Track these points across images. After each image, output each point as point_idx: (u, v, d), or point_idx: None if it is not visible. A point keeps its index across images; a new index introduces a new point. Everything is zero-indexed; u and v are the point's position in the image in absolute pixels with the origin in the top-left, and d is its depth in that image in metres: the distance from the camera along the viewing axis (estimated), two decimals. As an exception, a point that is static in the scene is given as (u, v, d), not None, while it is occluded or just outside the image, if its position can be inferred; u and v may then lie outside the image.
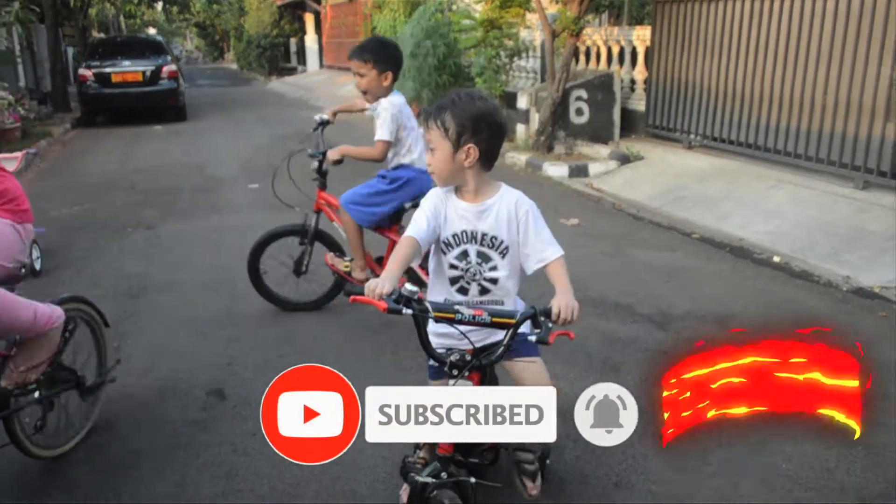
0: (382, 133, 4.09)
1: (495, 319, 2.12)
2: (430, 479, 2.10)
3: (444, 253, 2.44)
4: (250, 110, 17.75)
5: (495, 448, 2.63)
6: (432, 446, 2.26)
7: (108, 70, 14.76)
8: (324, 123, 4.57)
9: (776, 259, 5.89)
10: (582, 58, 11.57)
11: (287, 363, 3.76)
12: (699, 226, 6.90)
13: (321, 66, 28.35)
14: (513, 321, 2.11)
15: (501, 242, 2.41)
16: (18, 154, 5.77)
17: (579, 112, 10.23)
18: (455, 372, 2.12)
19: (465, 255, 2.42)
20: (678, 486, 2.87)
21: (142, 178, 9.31)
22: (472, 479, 2.19)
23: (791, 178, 7.69)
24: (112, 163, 10.65)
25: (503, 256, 2.42)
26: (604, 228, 6.75)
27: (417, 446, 2.39)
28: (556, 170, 9.20)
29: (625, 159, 9.34)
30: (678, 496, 2.81)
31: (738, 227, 6.77)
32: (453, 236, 2.41)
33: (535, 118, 10.29)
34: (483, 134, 2.29)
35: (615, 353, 4.05)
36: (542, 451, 2.83)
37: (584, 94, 10.16)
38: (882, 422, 3.32)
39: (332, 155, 4.29)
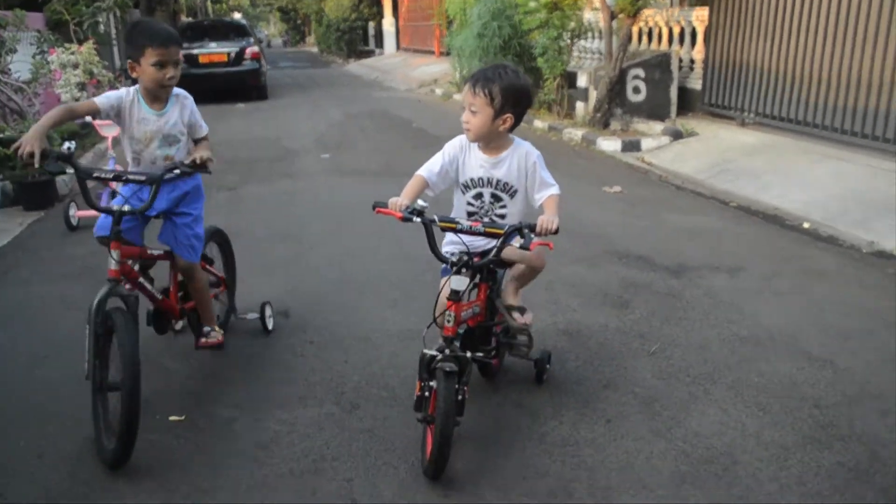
0: None
1: (488, 230, 2.71)
2: (435, 353, 2.70)
3: (463, 193, 3.07)
4: (327, 90, 18.62)
5: (496, 344, 3.22)
6: (441, 334, 2.85)
7: (195, 51, 15.79)
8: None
9: (806, 225, 6.24)
10: (644, 38, 11.88)
11: (342, 294, 4.45)
12: (738, 196, 7.26)
13: (398, 48, 29.11)
14: (501, 232, 2.69)
15: (512, 187, 3.04)
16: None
17: (636, 90, 10.58)
18: (455, 268, 2.72)
19: (479, 196, 3.07)
20: (657, 390, 3.39)
21: (225, 150, 10.15)
22: (469, 354, 2.78)
23: (835, 152, 7.93)
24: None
25: (512, 197, 3.06)
26: (644, 196, 7.19)
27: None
28: (609, 144, 9.62)
29: (678, 135, 9.68)
30: (654, 397, 3.34)
31: (776, 197, 7.11)
32: (471, 180, 3.03)
33: (594, 96, 10.71)
34: (520, 107, 2.92)
35: (628, 293, 4.56)
36: (542, 354, 3.41)
37: (641, 72, 10.49)
38: (854, 350, 3.76)
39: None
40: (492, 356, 3.20)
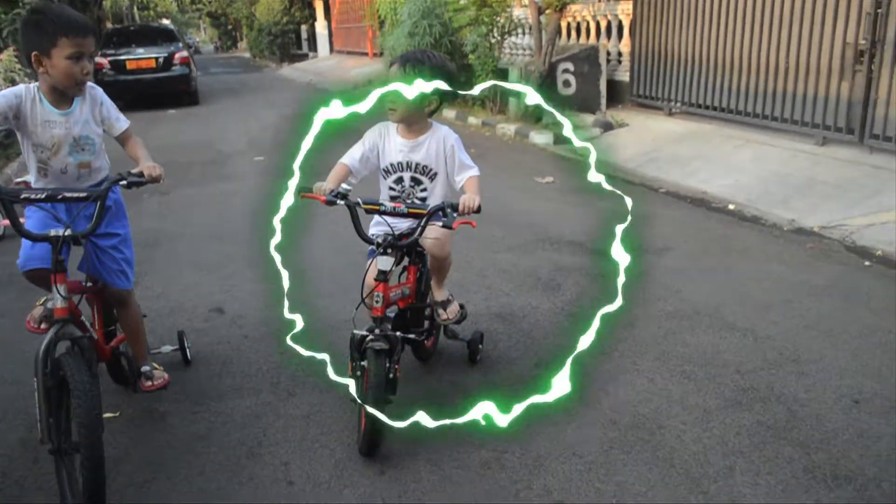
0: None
1: (411, 210, 2.78)
2: (365, 333, 2.74)
3: (384, 178, 3.12)
4: (260, 94, 18.43)
5: (431, 328, 3.28)
6: (370, 315, 2.89)
7: (123, 57, 15.48)
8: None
9: (731, 207, 6.47)
10: (573, 32, 12.12)
11: (275, 291, 4.44)
12: (667, 182, 7.47)
13: (331, 51, 28.96)
14: (424, 212, 2.75)
15: (431, 170, 3.09)
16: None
17: (566, 84, 10.78)
18: (381, 249, 2.76)
19: (400, 180, 3.11)
20: (587, 366, 3.48)
21: (157, 155, 9.79)
22: (398, 334, 2.83)
23: (758, 137, 8.24)
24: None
25: (432, 180, 3.11)
26: (575, 185, 7.33)
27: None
28: (541, 138, 9.78)
29: (608, 126, 9.91)
30: (584, 372, 3.43)
31: (702, 181, 7.35)
32: (391, 165, 3.08)
33: (525, 91, 10.85)
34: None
35: (560, 277, 4.67)
36: (474, 334, 3.48)
37: (570, 66, 10.71)
38: (775, 320, 3.94)
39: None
40: (423, 337, 3.25)
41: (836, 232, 5.47)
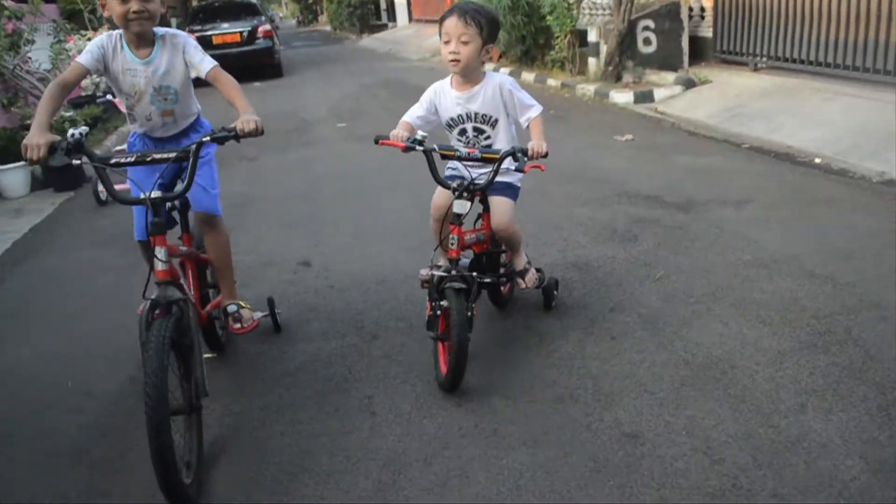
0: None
1: (484, 155, 2.89)
2: (443, 273, 2.87)
3: (449, 132, 3.22)
4: (341, 65, 18.73)
5: (506, 273, 3.40)
6: (446, 257, 3.02)
7: (209, 32, 16.00)
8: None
9: (817, 161, 6.30)
10: (653, -11, 11.84)
11: (360, 245, 4.63)
12: (750, 137, 7.31)
13: (410, 20, 29.05)
14: (496, 156, 2.85)
15: (491, 117, 3.14)
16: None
17: (647, 41, 10.58)
18: (457, 193, 2.88)
19: (464, 132, 3.19)
20: (661, 311, 3.54)
21: (244, 124, 10.37)
22: (475, 274, 2.95)
23: (847, 90, 7.93)
24: (215, 115, 11.59)
25: (493, 127, 3.17)
26: (655, 142, 7.27)
27: (434, 264, 3.16)
28: (621, 97, 9.67)
29: (690, 84, 9.70)
30: (658, 316, 3.49)
31: (788, 136, 7.15)
32: (451, 119, 3.17)
33: (604, 51, 10.73)
34: (498, 40, 3.02)
35: (636, 228, 4.70)
36: (549, 281, 3.56)
37: (651, 23, 10.49)
38: (856, 268, 3.88)
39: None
40: (499, 281, 3.36)
41: (929, 182, 5.28)
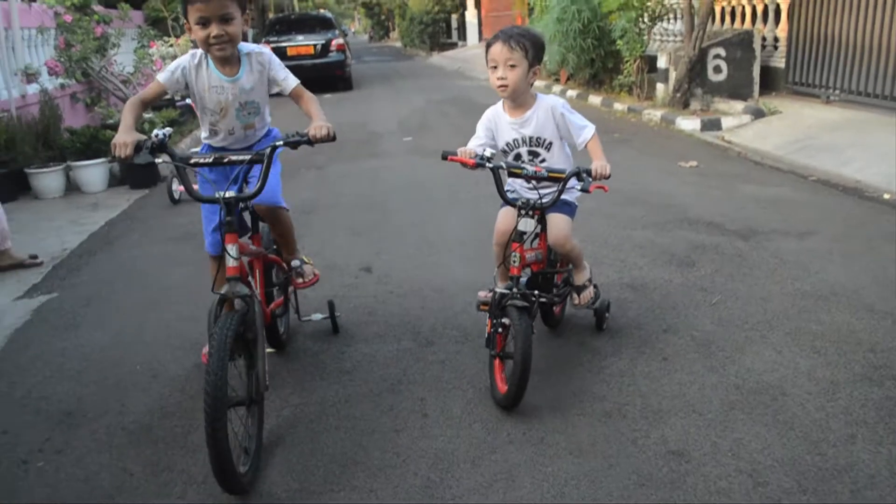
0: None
1: (551, 174, 2.96)
2: (505, 290, 2.95)
3: (504, 157, 3.27)
4: (410, 81, 19.07)
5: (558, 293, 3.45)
6: (506, 275, 3.10)
7: (284, 44, 16.50)
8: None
9: (886, 196, 6.19)
10: (727, 17, 11.80)
11: (421, 255, 4.76)
12: (818, 170, 7.21)
13: (480, 39, 29.35)
14: (562, 175, 2.93)
15: (545, 140, 3.20)
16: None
17: (717, 69, 10.52)
18: (523, 211, 2.97)
19: (518, 156, 3.24)
20: (714, 335, 3.56)
21: (313, 134, 10.67)
22: (536, 293, 3.02)
23: (921, 125, 7.78)
24: (286, 124, 12.05)
25: (548, 150, 3.22)
26: (720, 170, 7.24)
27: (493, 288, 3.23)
28: (688, 123, 9.63)
29: (759, 114, 9.61)
30: (711, 340, 3.51)
31: (857, 170, 7.03)
32: (507, 144, 3.24)
33: (673, 77, 10.70)
34: (542, 62, 3.10)
35: (695, 254, 4.71)
36: (601, 303, 3.61)
37: (722, 51, 10.43)
38: (918, 304, 3.83)
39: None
40: (554, 301, 3.43)
41: None
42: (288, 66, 3.14)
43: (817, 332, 3.55)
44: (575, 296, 3.41)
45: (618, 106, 11.57)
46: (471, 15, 30.67)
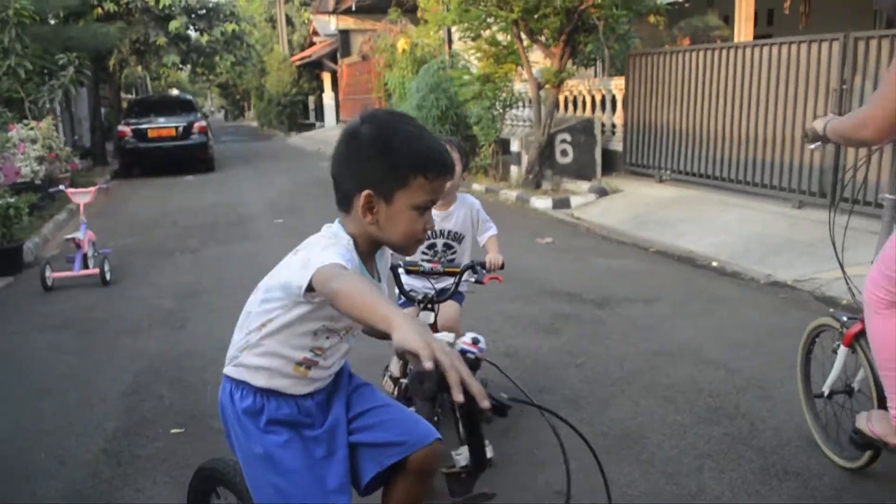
0: None
1: (447, 269, 3.36)
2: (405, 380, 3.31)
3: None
4: (272, 162, 19.32)
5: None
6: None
7: (144, 126, 16.38)
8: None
9: (714, 264, 7.10)
10: (570, 105, 12.98)
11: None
12: (656, 242, 8.13)
13: (338, 121, 30.10)
14: (458, 270, 3.34)
15: (461, 235, 3.62)
16: (92, 189, 7.15)
17: (564, 153, 11.56)
18: (421, 305, 3.29)
19: (433, 246, 3.61)
20: (582, 392, 4.07)
21: (181, 217, 10.72)
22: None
23: (741, 202, 8.94)
24: (153, 207, 12.09)
25: (460, 244, 3.64)
26: (573, 244, 8.01)
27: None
28: (541, 202, 10.50)
29: (603, 192, 10.64)
30: (580, 396, 4.01)
31: (690, 242, 8.00)
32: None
33: (525, 159, 11.64)
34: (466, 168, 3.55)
35: (559, 322, 5.28)
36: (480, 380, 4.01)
37: (568, 136, 11.50)
38: (746, 356, 4.52)
39: None
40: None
41: (808, 284, 6.08)
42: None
43: (667, 384, 4.14)
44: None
45: (476, 186, 12.37)
46: (328, 97, 31.45)
